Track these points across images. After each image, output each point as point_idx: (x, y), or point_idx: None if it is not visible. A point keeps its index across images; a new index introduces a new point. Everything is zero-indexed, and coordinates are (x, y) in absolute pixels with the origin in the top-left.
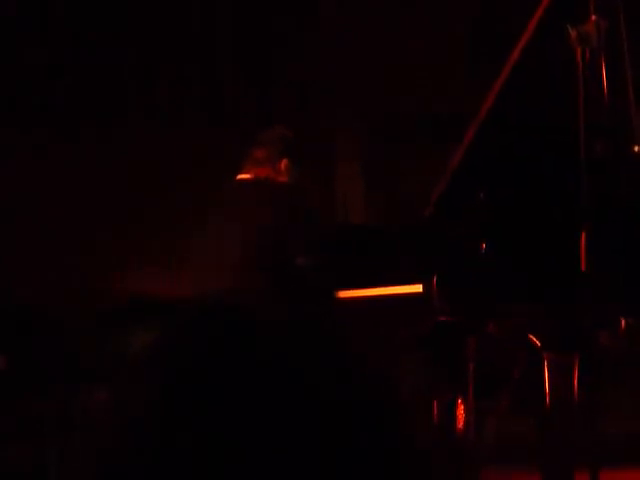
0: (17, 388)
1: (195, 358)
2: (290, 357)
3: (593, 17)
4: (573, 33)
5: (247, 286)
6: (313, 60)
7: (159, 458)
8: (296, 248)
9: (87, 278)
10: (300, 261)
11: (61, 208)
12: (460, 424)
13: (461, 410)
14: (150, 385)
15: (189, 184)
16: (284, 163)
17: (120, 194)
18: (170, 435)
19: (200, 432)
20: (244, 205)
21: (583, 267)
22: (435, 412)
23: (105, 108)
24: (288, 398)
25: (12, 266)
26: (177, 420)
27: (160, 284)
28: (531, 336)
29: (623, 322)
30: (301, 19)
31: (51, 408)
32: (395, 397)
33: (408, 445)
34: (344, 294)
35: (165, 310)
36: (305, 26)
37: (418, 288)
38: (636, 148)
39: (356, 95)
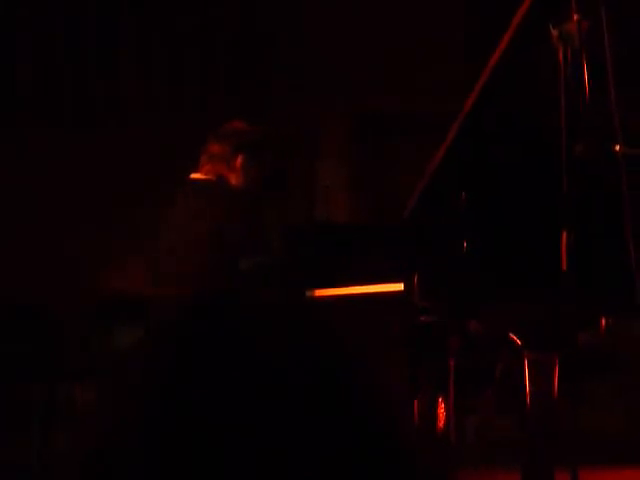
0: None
1: (177, 356)
2: (265, 352)
3: (575, 16)
4: (555, 32)
5: (200, 285)
6: (296, 57)
7: (143, 453)
8: (243, 249)
9: (72, 276)
10: (244, 263)
11: (44, 206)
12: (441, 423)
13: (442, 409)
14: (134, 382)
15: (173, 183)
16: (239, 159)
17: (104, 192)
18: (153, 431)
19: (183, 426)
20: (193, 205)
21: (564, 267)
22: (416, 411)
23: (89, 107)
24: (266, 391)
25: None
26: (161, 416)
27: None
28: (512, 335)
29: (603, 321)
30: (285, 16)
31: (35, 406)
32: (365, 383)
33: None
34: (324, 293)
35: (148, 308)
36: (289, 23)
37: (399, 287)
38: (617, 147)
39: (339, 92)
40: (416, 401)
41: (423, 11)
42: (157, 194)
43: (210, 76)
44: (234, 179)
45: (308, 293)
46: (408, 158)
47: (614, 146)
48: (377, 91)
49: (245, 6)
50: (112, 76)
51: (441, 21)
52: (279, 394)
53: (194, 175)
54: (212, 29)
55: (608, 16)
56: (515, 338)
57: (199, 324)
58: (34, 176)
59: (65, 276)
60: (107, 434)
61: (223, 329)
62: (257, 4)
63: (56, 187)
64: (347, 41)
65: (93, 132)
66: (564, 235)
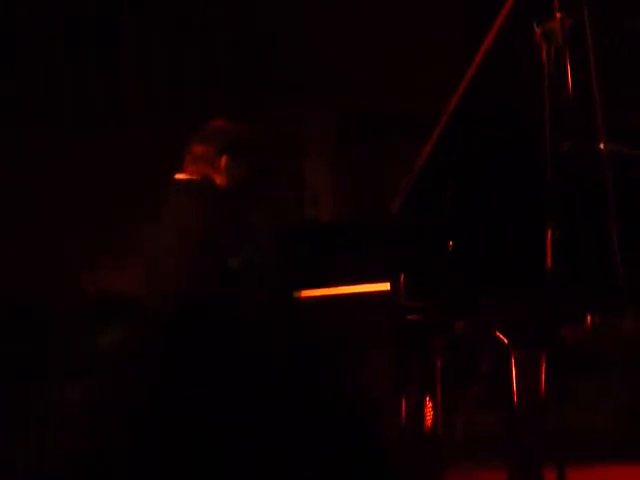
0: None
1: (164, 356)
2: (251, 352)
3: (558, 14)
4: (538, 30)
5: (183, 285)
6: (283, 57)
7: (131, 454)
8: (228, 249)
9: (57, 277)
10: (233, 262)
11: (44, 206)
12: (429, 422)
13: (429, 408)
14: (120, 382)
15: (157, 184)
16: (223, 160)
17: (104, 192)
18: (140, 431)
19: (170, 426)
20: (177, 205)
21: (549, 265)
22: (403, 410)
23: (89, 107)
24: (251, 390)
25: None
26: (148, 416)
27: (129, 283)
28: (499, 333)
29: (589, 319)
30: (285, 16)
31: (21, 407)
32: (348, 382)
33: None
34: (311, 292)
35: (133, 309)
36: (289, 23)
37: (386, 286)
38: (602, 145)
39: (326, 92)
40: (404, 400)
41: (423, 11)
42: (157, 194)
43: (210, 76)
44: (219, 179)
45: (296, 293)
46: (408, 158)
47: (598, 144)
48: (377, 91)
49: (245, 6)
50: (112, 76)
51: (441, 21)
52: (264, 394)
53: (178, 175)
54: (212, 29)
55: (590, 14)
56: (502, 336)
57: (186, 324)
58: (34, 176)
59: (63, 276)
60: (95, 434)
61: (210, 330)
62: (257, 4)
63: (56, 187)
64: (334, 40)
65: (93, 132)
66: (549, 233)
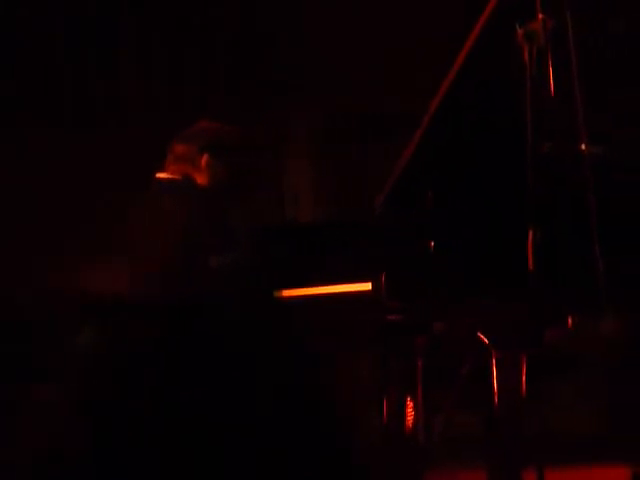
0: None
1: (139, 355)
2: (229, 353)
3: (540, 16)
4: (520, 32)
5: (167, 285)
6: (266, 57)
7: (99, 452)
8: (209, 248)
9: (38, 277)
10: (214, 261)
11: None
12: (409, 423)
13: (410, 409)
14: (98, 382)
15: (140, 185)
16: (204, 159)
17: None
18: (117, 431)
19: (147, 426)
20: (159, 204)
21: (530, 266)
22: (385, 411)
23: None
24: (228, 390)
25: None
26: (124, 416)
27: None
28: (480, 335)
29: (570, 320)
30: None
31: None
32: (326, 381)
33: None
34: (291, 292)
35: (113, 309)
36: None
37: (367, 286)
38: (583, 146)
39: (308, 91)
40: (385, 400)
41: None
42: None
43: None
44: (200, 178)
45: (276, 293)
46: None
47: (580, 145)
48: (346, 90)
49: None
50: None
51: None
52: (240, 394)
53: (160, 174)
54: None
55: (573, 16)
56: (483, 337)
57: (170, 324)
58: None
59: (29, 278)
60: (65, 434)
61: (193, 329)
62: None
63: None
64: (317, 40)
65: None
66: (531, 234)
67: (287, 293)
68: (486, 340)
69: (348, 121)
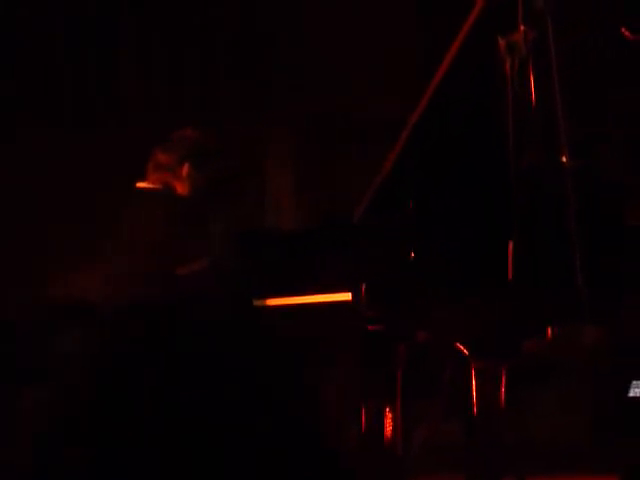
0: None
1: (124, 357)
2: (207, 361)
3: (522, 27)
4: (502, 43)
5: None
6: (246, 60)
7: (94, 452)
8: (189, 256)
9: (24, 281)
10: (193, 267)
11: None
12: (388, 433)
13: (389, 418)
14: (84, 384)
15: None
16: (185, 168)
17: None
18: (103, 432)
19: (132, 427)
20: (138, 213)
21: (511, 276)
22: (363, 420)
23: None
24: (208, 390)
25: None
26: (110, 417)
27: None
28: (459, 344)
29: (550, 331)
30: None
31: None
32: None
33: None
34: (272, 301)
35: (97, 312)
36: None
37: (347, 296)
38: (564, 158)
39: (289, 94)
40: (363, 410)
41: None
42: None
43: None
44: (180, 187)
45: (256, 302)
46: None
47: (561, 156)
48: (328, 92)
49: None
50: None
51: (402, 26)
52: (220, 395)
53: (140, 184)
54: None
55: (554, 27)
56: (462, 347)
57: (148, 329)
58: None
59: (15, 282)
60: (49, 435)
61: (173, 334)
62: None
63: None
64: (298, 42)
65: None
66: (511, 244)
67: (267, 302)
68: (465, 350)
69: (331, 124)
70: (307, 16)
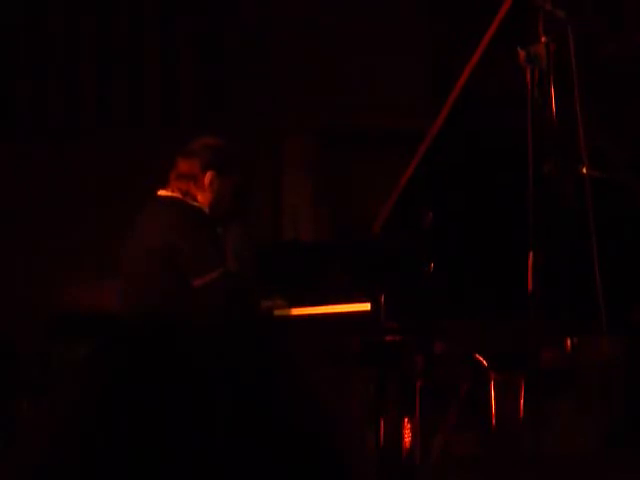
0: None
1: (127, 370)
2: (214, 372)
3: (543, 38)
4: (522, 54)
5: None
6: (262, 71)
7: (95, 467)
8: (209, 267)
9: (26, 292)
10: (198, 282)
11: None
12: (407, 444)
13: (408, 429)
14: (86, 397)
15: (127, 198)
16: (208, 176)
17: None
18: (106, 445)
19: (129, 442)
20: (159, 222)
21: (530, 287)
22: (382, 431)
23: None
24: (212, 410)
25: None
26: (113, 430)
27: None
28: (478, 356)
29: (569, 342)
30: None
31: None
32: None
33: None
34: (291, 312)
35: (102, 324)
36: (255, 33)
37: (366, 307)
38: (584, 169)
39: (306, 107)
40: (382, 421)
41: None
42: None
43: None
44: (201, 196)
45: (279, 312)
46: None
47: (581, 167)
48: (345, 105)
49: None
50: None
51: (415, 39)
52: (231, 408)
53: (161, 192)
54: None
55: (575, 39)
56: (481, 359)
57: (162, 341)
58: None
59: (17, 293)
60: (51, 450)
61: (187, 346)
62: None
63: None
64: (315, 54)
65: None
66: (531, 255)
67: (287, 312)
68: (484, 362)
69: (347, 136)
70: (323, 29)
